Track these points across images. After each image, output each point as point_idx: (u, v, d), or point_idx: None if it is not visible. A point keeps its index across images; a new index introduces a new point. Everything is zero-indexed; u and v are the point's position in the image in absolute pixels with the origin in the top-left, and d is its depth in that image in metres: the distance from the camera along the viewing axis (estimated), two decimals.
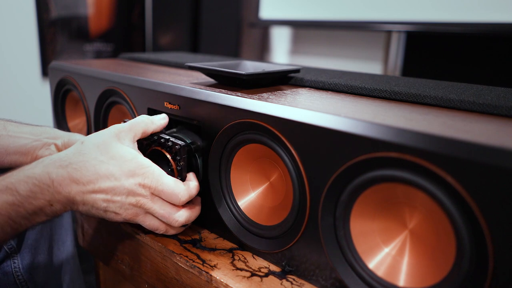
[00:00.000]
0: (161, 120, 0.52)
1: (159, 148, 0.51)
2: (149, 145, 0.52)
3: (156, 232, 0.51)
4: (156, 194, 0.47)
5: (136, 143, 0.50)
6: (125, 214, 0.46)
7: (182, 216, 0.49)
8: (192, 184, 0.50)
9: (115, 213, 0.46)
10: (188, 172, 0.51)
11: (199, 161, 0.53)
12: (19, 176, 0.43)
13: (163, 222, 0.50)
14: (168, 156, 0.50)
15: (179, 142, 0.49)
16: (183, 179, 0.50)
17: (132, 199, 0.46)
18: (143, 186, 0.46)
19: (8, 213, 0.41)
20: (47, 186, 0.43)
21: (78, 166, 0.44)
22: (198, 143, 0.52)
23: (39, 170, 0.43)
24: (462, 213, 0.32)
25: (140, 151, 0.50)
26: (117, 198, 0.45)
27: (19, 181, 0.42)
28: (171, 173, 0.50)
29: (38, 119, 1.51)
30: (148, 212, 0.48)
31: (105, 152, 0.46)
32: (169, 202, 0.48)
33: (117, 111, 0.67)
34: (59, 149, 0.58)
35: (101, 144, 0.46)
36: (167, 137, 0.50)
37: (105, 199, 0.45)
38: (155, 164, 0.47)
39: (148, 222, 0.48)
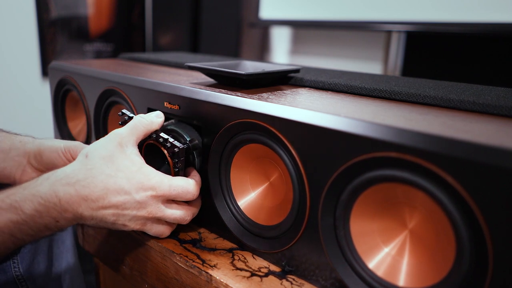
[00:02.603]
0: (158, 118, 0.51)
1: (156, 143, 0.51)
2: (144, 140, 0.52)
3: (161, 237, 0.51)
4: (170, 199, 0.48)
5: (137, 147, 0.49)
6: (133, 225, 0.47)
7: (190, 214, 0.50)
8: (197, 178, 0.51)
9: (123, 225, 0.46)
10: (185, 169, 0.52)
11: (196, 159, 0.53)
12: (24, 194, 0.42)
13: (170, 225, 0.51)
14: (165, 152, 0.50)
15: (178, 144, 0.49)
16: (180, 175, 0.50)
17: (143, 211, 0.46)
18: (155, 197, 0.46)
19: (11, 231, 0.41)
20: (54, 204, 0.42)
21: (86, 183, 0.43)
22: (196, 141, 0.52)
23: (45, 189, 0.42)
24: (462, 213, 0.32)
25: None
26: (127, 212, 0.45)
27: (24, 200, 0.42)
28: (167, 167, 0.50)
29: (38, 119, 1.51)
30: (158, 220, 0.49)
31: (111, 164, 0.45)
32: (179, 203, 0.49)
33: (117, 111, 0.67)
34: (34, 167, 0.56)
35: (106, 156, 0.45)
36: (166, 136, 0.50)
37: (114, 213, 0.45)
38: (159, 171, 0.48)
39: (155, 230, 0.49)
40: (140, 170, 0.46)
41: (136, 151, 0.48)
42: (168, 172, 0.50)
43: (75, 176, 0.44)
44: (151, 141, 0.51)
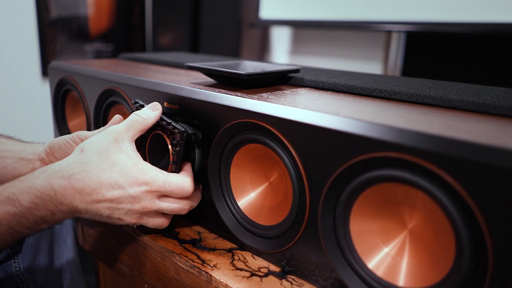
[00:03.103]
0: (155, 111, 0.51)
1: (161, 133, 0.51)
2: (150, 131, 0.52)
3: (159, 228, 0.51)
4: (165, 195, 0.48)
5: (134, 142, 0.49)
6: (129, 219, 0.47)
7: (188, 204, 0.50)
8: (190, 174, 0.51)
9: (119, 218, 0.46)
10: (184, 161, 0.52)
11: (197, 153, 0.53)
12: (21, 187, 0.43)
13: (167, 216, 0.51)
14: (168, 141, 0.50)
15: (179, 127, 0.49)
16: (177, 164, 0.50)
17: (138, 205, 0.46)
18: (149, 192, 0.46)
19: (10, 223, 0.42)
20: (50, 197, 0.43)
21: (80, 176, 0.44)
22: (198, 135, 0.52)
23: (41, 181, 0.43)
24: (461, 213, 0.32)
25: (141, 138, 0.51)
26: (122, 206, 0.45)
27: (21, 192, 0.42)
28: (167, 160, 0.50)
29: (38, 119, 1.51)
30: (154, 213, 0.49)
31: (106, 159, 0.45)
32: (176, 197, 0.49)
33: (117, 111, 0.67)
34: (44, 163, 0.56)
35: (101, 151, 0.46)
36: (169, 120, 0.50)
37: (109, 207, 0.45)
38: (154, 167, 0.48)
39: (152, 223, 0.49)
40: (136, 165, 0.46)
41: (132, 147, 0.48)
42: (167, 160, 0.50)
43: (70, 170, 0.44)
44: (156, 131, 0.51)
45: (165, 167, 0.50)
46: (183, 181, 0.48)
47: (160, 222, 0.50)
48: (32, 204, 0.42)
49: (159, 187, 0.46)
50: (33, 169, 0.56)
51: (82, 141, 0.55)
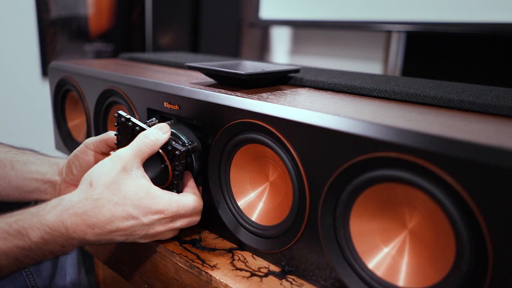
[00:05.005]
0: (164, 134, 0.49)
1: (160, 151, 0.49)
2: None
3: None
4: (178, 217, 0.48)
5: (142, 166, 0.48)
6: (143, 240, 0.48)
7: (199, 214, 0.51)
8: (197, 189, 0.51)
9: (134, 241, 0.47)
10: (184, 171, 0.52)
11: (195, 162, 0.53)
12: (32, 221, 0.42)
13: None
14: (164, 154, 0.49)
15: (179, 147, 0.48)
16: (180, 179, 0.50)
17: (152, 231, 0.47)
18: (163, 219, 0.47)
19: (17, 256, 0.42)
20: (61, 233, 0.43)
21: (93, 213, 0.44)
22: (195, 143, 0.52)
23: (53, 218, 0.43)
24: (461, 213, 0.32)
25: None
26: (136, 233, 0.46)
27: (32, 227, 0.42)
28: (165, 169, 0.49)
29: (38, 119, 1.51)
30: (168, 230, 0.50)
31: (117, 192, 0.45)
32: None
33: (116, 111, 0.67)
34: (67, 181, 0.57)
35: (111, 183, 0.45)
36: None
37: (122, 234, 0.45)
38: (166, 192, 0.47)
39: (166, 237, 0.51)
40: (148, 195, 0.46)
41: (141, 172, 0.47)
42: (166, 174, 0.50)
43: (82, 207, 0.44)
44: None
45: (165, 176, 0.50)
46: (194, 201, 0.49)
47: (172, 234, 0.51)
48: (42, 240, 0.42)
49: (173, 213, 0.47)
50: (58, 190, 0.57)
51: (89, 149, 0.55)
